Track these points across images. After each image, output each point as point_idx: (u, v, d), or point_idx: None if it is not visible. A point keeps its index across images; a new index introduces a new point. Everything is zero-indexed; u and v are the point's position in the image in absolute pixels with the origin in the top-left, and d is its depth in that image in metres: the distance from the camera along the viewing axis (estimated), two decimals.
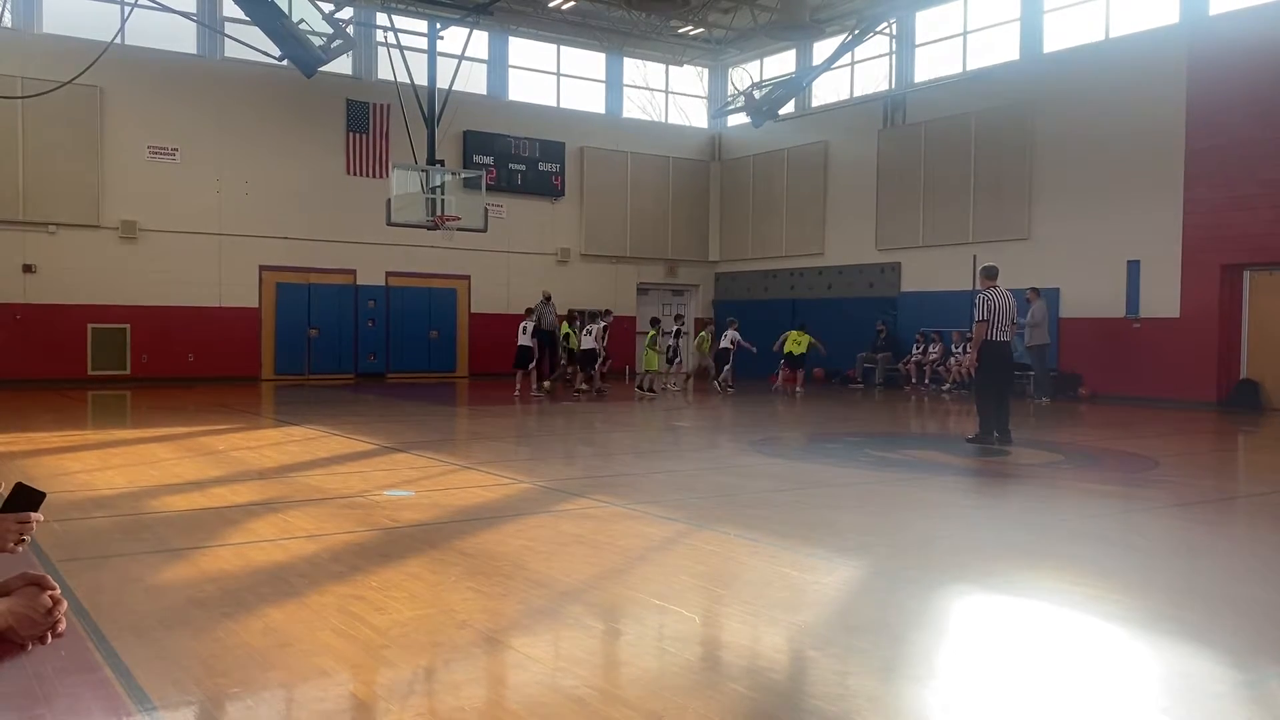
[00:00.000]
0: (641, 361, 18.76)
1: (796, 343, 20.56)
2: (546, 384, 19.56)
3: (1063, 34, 20.14)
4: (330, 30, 17.05)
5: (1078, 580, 5.11)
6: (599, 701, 3.27)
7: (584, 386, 19.12)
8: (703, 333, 22.64)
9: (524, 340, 18.80)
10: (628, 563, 5.36)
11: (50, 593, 3.56)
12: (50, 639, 3.54)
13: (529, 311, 19.37)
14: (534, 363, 19.05)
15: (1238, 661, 3.86)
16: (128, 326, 20.57)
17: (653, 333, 18.85)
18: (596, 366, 19.17)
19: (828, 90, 25.57)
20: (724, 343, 20.93)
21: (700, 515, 6.70)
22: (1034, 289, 18.02)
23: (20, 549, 3.56)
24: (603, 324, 19.10)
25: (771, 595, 4.69)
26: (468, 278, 24.35)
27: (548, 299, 20.93)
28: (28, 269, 19.62)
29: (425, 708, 3.25)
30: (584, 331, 19.24)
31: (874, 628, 4.20)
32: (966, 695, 3.48)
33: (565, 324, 21.06)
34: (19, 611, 3.46)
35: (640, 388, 18.49)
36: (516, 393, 18.38)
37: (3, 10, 18.74)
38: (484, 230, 20.80)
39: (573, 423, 14.36)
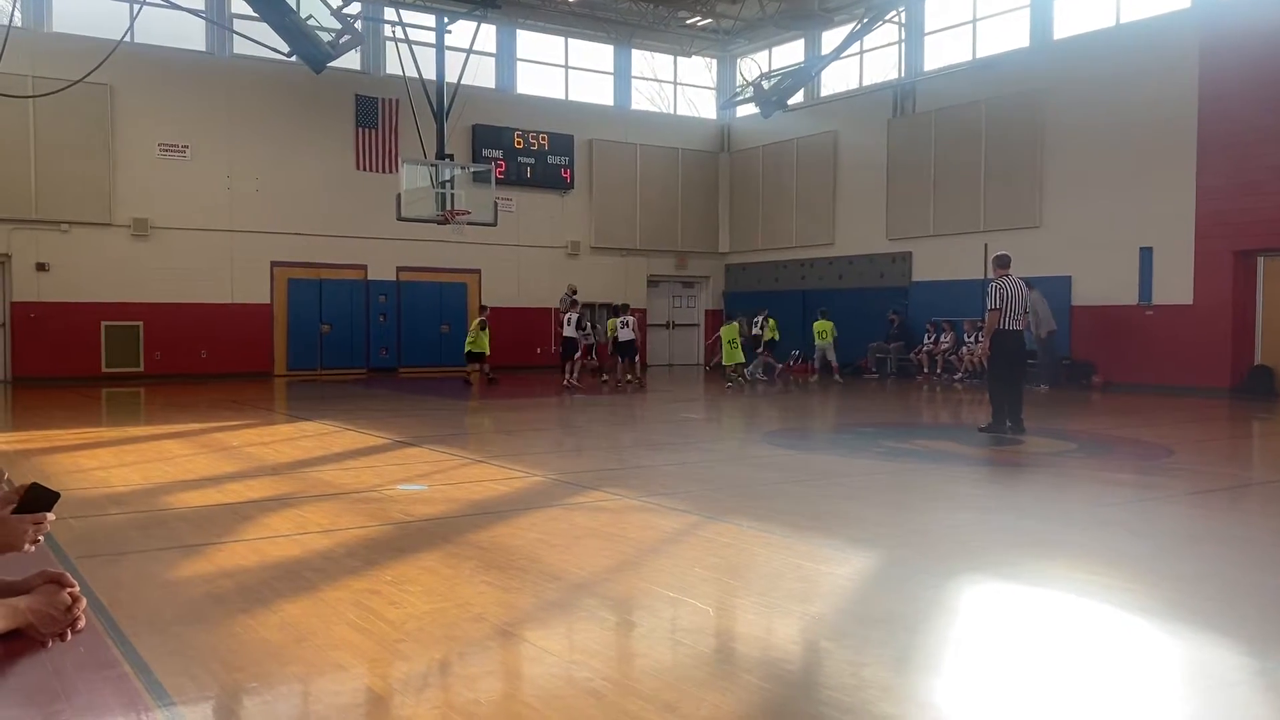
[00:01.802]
0: (724, 354, 18.90)
1: (820, 334, 20.95)
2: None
3: (1073, 20, 20.02)
4: (338, 26, 17.07)
5: (1092, 569, 5.10)
6: (614, 693, 3.28)
7: (630, 377, 19.42)
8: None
9: (568, 332, 19.59)
10: (641, 555, 5.37)
11: (69, 590, 3.61)
12: (70, 636, 3.58)
13: (574, 304, 19.81)
14: (577, 353, 19.77)
15: (1254, 650, 3.85)
16: (141, 324, 20.68)
17: (736, 325, 19.08)
18: (636, 359, 19.69)
19: (837, 80, 25.49)
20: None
21: (713, 507, 6.70)
22: (1025, 280, 17.81)
23: (34, 548, 3.60)
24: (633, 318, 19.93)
25: (785, 586, 4.70)
26: (478, 272, 24.38)
27: (574, 292, 21.03)
28: (41, 268, 19.73)
29: (441, 701, 3.27)
30: (620, 324, 19.73)
31: (888, 618, 4.20)
32: (980, 685, 3.48)
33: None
34: (39, 609, 3.50)
35: (742, 378, 18.72)
36: (568, 382, 18.98)
37: (12, 9, 18.81)
38: (494, 224, 20.81)
39: (585, 416, 14.37)
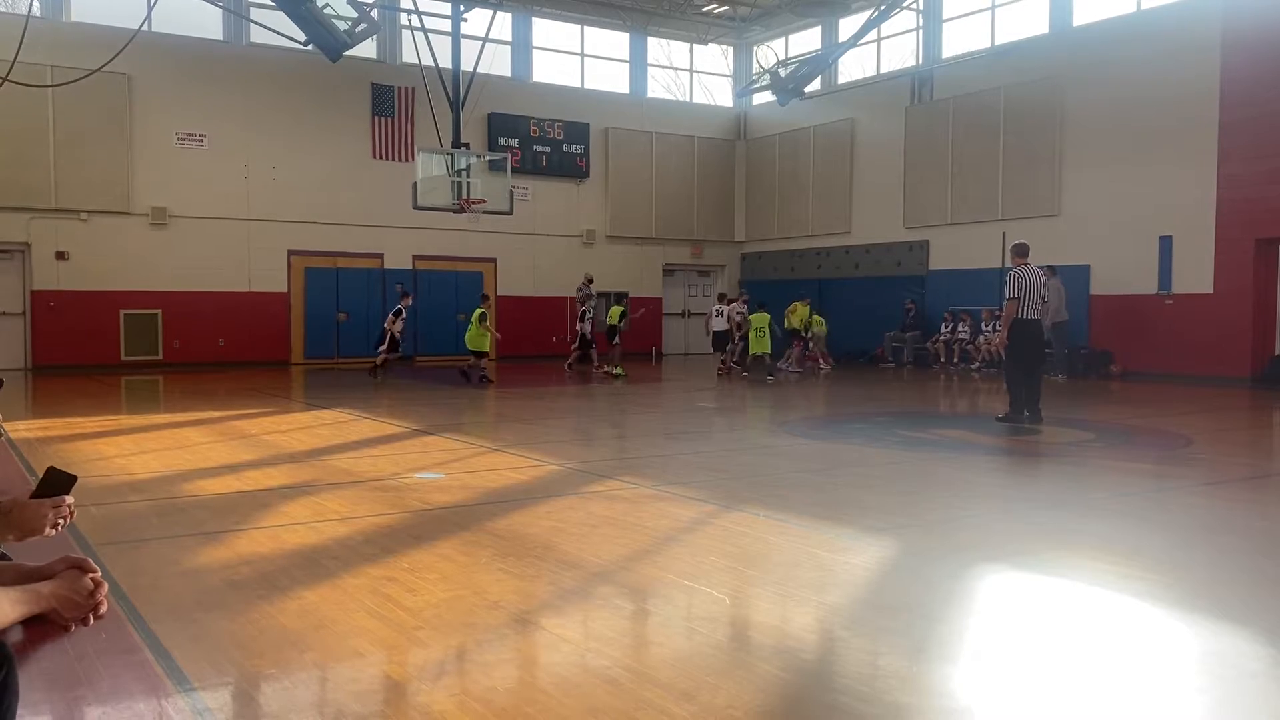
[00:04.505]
0: (752, 344, 18.78)
1: (818, 321, 20.77)
2: (611, 367, 19.77)
3: (1093, 6, 19.84)
4: (354, 14, 17.06)
5: (1109, 559, 5.08)
6: (631, 681, 3.29)
7: (735, 365, 19.26)
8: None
9: (584, 328, 19.95)
10: (657, 544, 5.38)
11: (92, 575, 3.64)
12: (92, 621, 3.62)
13: (588, 296, 19.83)
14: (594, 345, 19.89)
15: (1273, 639, 3.83)
16: (159, 312, 20.82)
17: (767, 315, 19.01)
18: (728, 348, 19.49)
19: (854, 67, 25.36)
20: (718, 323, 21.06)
21: (729, 496, 6.71)
22: (1050, 267, 17.58)
23: (55, 532, 3.63)
24: (731, 307, 19.77)
25: (801, 575, 4.70)
26: (494, 260, 24.42)
27: (589, 281, 20.99)
28: (61, 256, 19.87)
29: (458, 688, 3.29)
30: (714, 313, 19.79)
31: (904, 608, 4.20)
32: (998, 675, 3.47)
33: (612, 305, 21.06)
34: (62, 594, 3.54)
35: (769, 374, 18.54)
36: (606, 370, 19.21)
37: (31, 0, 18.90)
38: (509, 213, 20.79)
39: (601, 405, 14.39)
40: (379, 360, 18.14)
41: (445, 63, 20.15)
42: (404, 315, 18.49)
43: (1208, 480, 7.65)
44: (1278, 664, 3.60)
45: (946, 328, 21.62)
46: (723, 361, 19.51)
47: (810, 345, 21.52)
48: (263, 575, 4.63)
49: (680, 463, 8.47)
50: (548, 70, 25.50)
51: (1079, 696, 3.25)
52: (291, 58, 20.91)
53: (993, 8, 21.66)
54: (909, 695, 3.22)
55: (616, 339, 19.91)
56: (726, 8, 25.43)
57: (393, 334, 18.21)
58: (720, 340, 19.77)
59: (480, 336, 17.41)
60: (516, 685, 3.31)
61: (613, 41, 26.39)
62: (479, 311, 17.71)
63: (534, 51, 25.17)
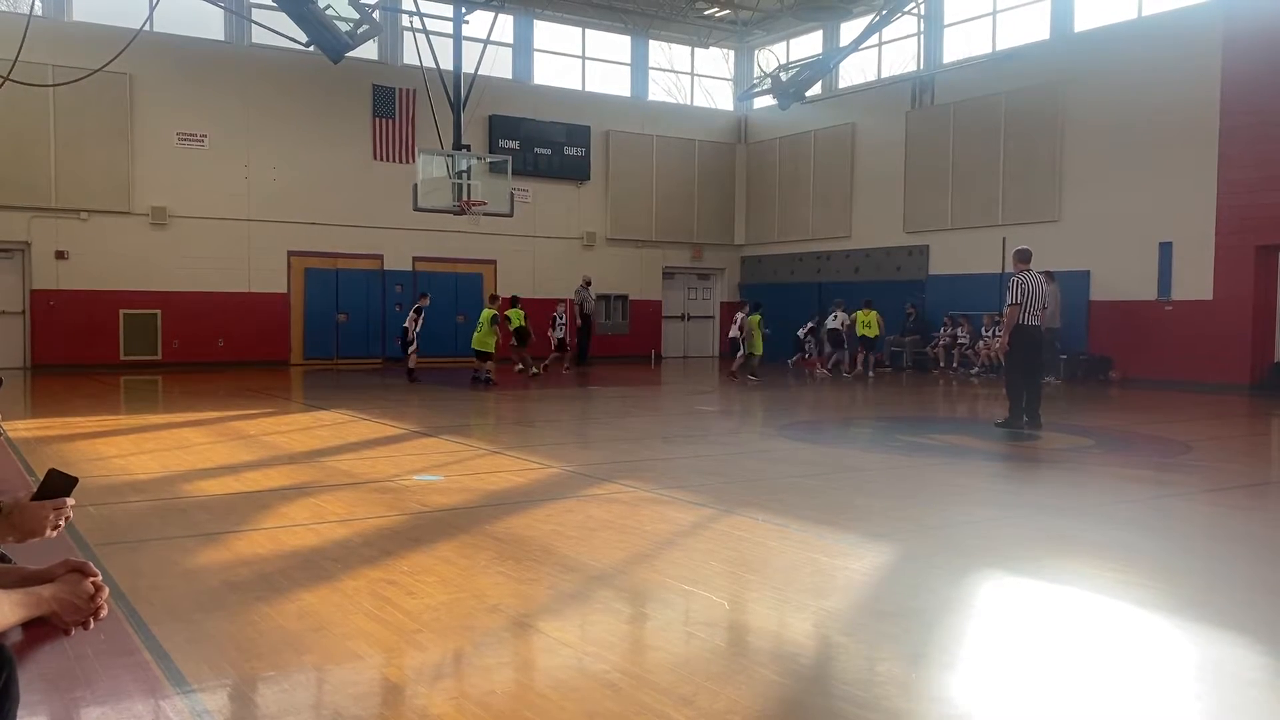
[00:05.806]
0: (747, 345, 18.73)
1: (866, 324, 20.65)
2: (557, 362, 19.61)
3: (1094, 12, 19.85)
4: (356, 15, 17.06)
5: (1108, 565, 5.08)
6: (630, 685, 3.29)
7: (738, 373, 19.07)
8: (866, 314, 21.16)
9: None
10: (656, 547, 5.38)
11: (92, 579, 3.64)
12: (92, 624, 3.61)
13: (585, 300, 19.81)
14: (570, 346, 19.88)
15: (1272, 649, 3.83)
16: (159, 312, 20.81)
17: (758, 317, 18.94)
18: (738, 356, 19.33)
19: (855, 71, 25.39)
20: (833, 323, 20.84)
21: (728, 500, 6.71)
22: (1048, 272, 17.45)
23: (55, 534, 3.63)
24: (745, 315, 19.50)
25: (800, 580, 4.70)
26: (494, 262, 24.42)
27: (588, 284, 20.95)
28: (60, 255, 19.87)
29: (457, 691, 3.29)
30: (733, 322, 19.78)
31: (903, 613, 4.19)
32: (996, 682, 3.47)
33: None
34: (63, 598, 3.54)
35: (751, 374, 18.48)
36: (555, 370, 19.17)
37: None
38: (510, 215, 20.80)
39: (600, 408, 14.39)
40: (411, 364, 17.96)
41: (446, 64, 20.16)
42: (423, 315, 18.39)
43: (1207, 487, 7.65)
44: (1276, 674, 3.60)
45: (945, 332, 21.62)
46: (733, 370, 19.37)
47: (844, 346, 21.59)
48: (262, 577, 4.63)
49: (679, 466, 8.48)
50: (549, 73, 25.54)
51: (1077, 702, 3.25)
52: (293, 59, 20.93)
53: (994, 13, 21.68)
54: (908, 701, 3.23)
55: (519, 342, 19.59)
56: (728, 11, 25.45)
57: (414, 334, 18.12)
58: (735, 346, 19.71)
59: (488, 338, 17.46)
60: (515, 689, 3.31)
61: (614, 44, 26.41)
62: (490, 313, 17.76)
63: (535, 54, 25.18)
